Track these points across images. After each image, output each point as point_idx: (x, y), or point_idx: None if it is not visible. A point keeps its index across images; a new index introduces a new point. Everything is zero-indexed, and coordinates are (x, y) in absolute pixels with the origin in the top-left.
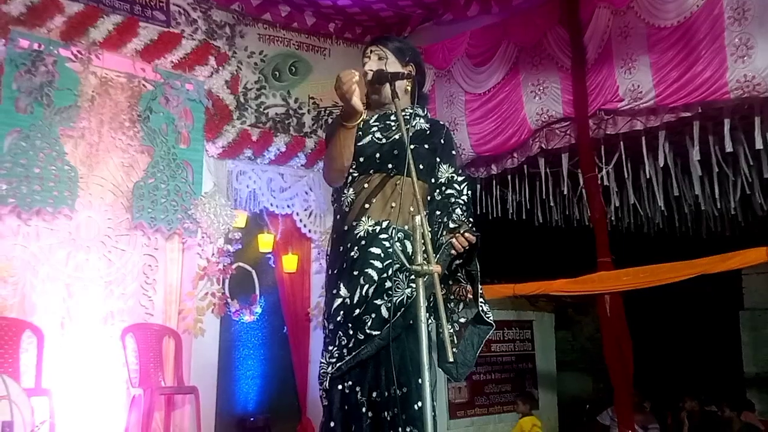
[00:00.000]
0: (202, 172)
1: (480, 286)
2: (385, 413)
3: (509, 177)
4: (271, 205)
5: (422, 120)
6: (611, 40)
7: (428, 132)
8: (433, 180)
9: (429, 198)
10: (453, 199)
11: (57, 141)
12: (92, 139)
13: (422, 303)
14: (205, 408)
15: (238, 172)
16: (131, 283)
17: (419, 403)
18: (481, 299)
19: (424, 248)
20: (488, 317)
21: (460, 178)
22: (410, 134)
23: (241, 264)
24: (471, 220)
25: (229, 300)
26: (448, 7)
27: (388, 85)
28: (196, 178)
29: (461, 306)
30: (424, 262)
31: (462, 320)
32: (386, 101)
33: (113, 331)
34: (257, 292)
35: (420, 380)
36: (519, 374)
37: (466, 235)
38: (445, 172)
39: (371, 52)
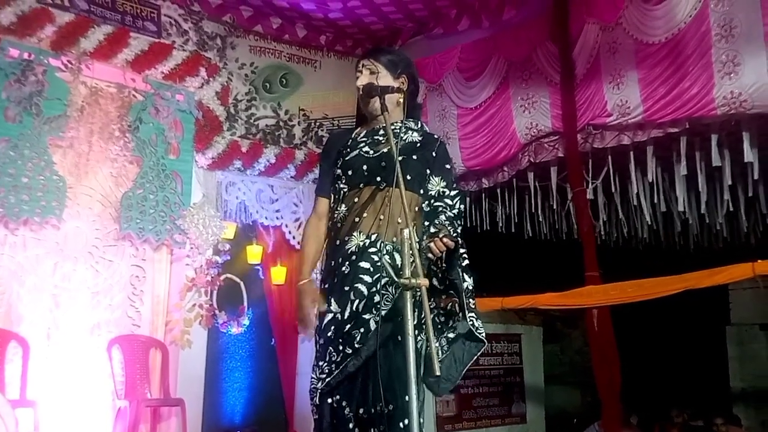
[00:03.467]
0: (191, 183)
1: (472, 300)
2: (372, 430)
3: (498, 191)
4: (261, 216)
5: (415, 133)
6: (600, 56)
7: (419, 144)
8: (422, 191)
9: (417, 209)
10: (441, 209)
11: (46, 151)
12: (81, 149)
13: (410, 317)
14: (192, 420)
15: (228, 184)
16: (118, 294)
17: (405, 421)
18: (472, 314)
19: (412, 261)
20: (480, 333)
21: (452, 193)
22: (399, 147)
23: (229, 275)
24: (459, 231)
25: (216, 312)
26: (439, 21)
27: (378, 98)
28: (185, 189)
29: (452, 321)
30: (412, 275)
31: (451, 335)
32: (377, 114)
33: (100, 342)
34: (245, 303)
35: (407, 397)
36: (507, 388)
37: (444, 240)
38: (435, 185)
39: (363, 66)
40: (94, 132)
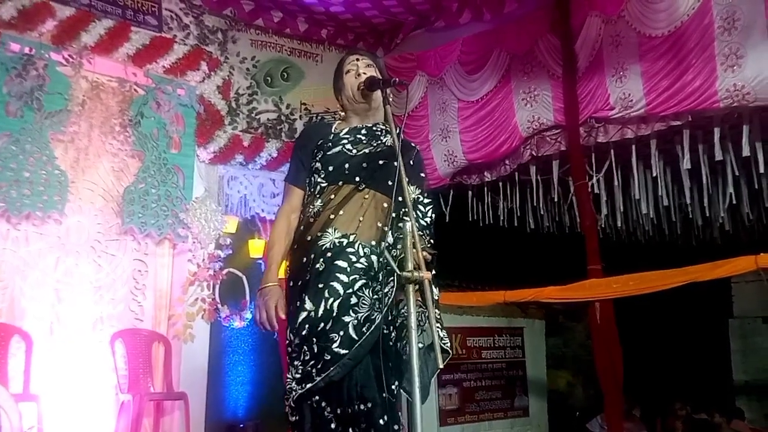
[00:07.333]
0: (193, 178)
1: (437, 311)
2: (351, 429)
3: (500, 184)
4: (262, 210)
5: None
6: (602, 49)
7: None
8: (400, 198)
9: (394, 214)
10: (415, 217)
11: (47, 145)
12: (82, 143)
13: (413, 310)
14: (195, 414)
15: (229, 178)
16: (121, 289)
17: (385, 417)
18: (438, 324)
19: (388, 259)
20: (445, 343)
21: (426, 200)
22: (379, 150)
23: (231, 269)
24: (432, 242)
25: (219, 305)
26: (441, 14)
27: (379, 91)
28: (187, 183)
29: (419, 331)
30: (414, 269)
31: (419, 345)
32: (374, 107)
33: (102, 336)
34: (247, 297)
35: (385, 395)
36: (509, 381)
37: (423, 253)
38: (411, 192)
39: (358, 60)
40: (96, 126)
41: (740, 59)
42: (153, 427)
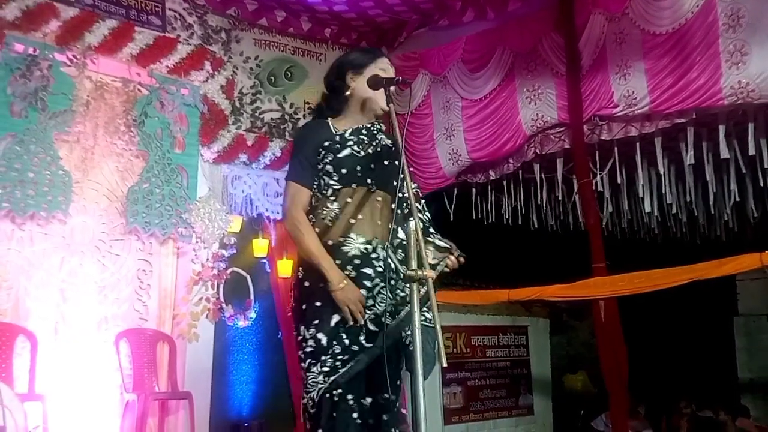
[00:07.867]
0: (197, 177)
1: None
2: (371, 419)
3: (504, 182)
4: (267, 210)
5: (384, 136)
6: (606, 47)
7: (392, 149)
8: (399, 195)
9: (396, 214)
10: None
11: (51, 145)
12: (87, 143)
13: (416, 308)
14: (199, 413)
15: (233, 177)
16: (125, 288)
17: (397, 405)
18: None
19: (392, 260)
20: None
21: (420, 195)
22: (378, 150)
23: (235, 269)
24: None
25: (223, 305)
26: (444, 13)
27: (382, 90)
28: (191, 183)
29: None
30: (418, 267)
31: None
32: (375, 107)
33: (107, 336)
34: (252, 297)
35: (399, 383)
36: (514, 380)
37: (460, 259)
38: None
39: (390, 65)
40: (100, 126)
41: (745, 56)
42: (158, 427)
